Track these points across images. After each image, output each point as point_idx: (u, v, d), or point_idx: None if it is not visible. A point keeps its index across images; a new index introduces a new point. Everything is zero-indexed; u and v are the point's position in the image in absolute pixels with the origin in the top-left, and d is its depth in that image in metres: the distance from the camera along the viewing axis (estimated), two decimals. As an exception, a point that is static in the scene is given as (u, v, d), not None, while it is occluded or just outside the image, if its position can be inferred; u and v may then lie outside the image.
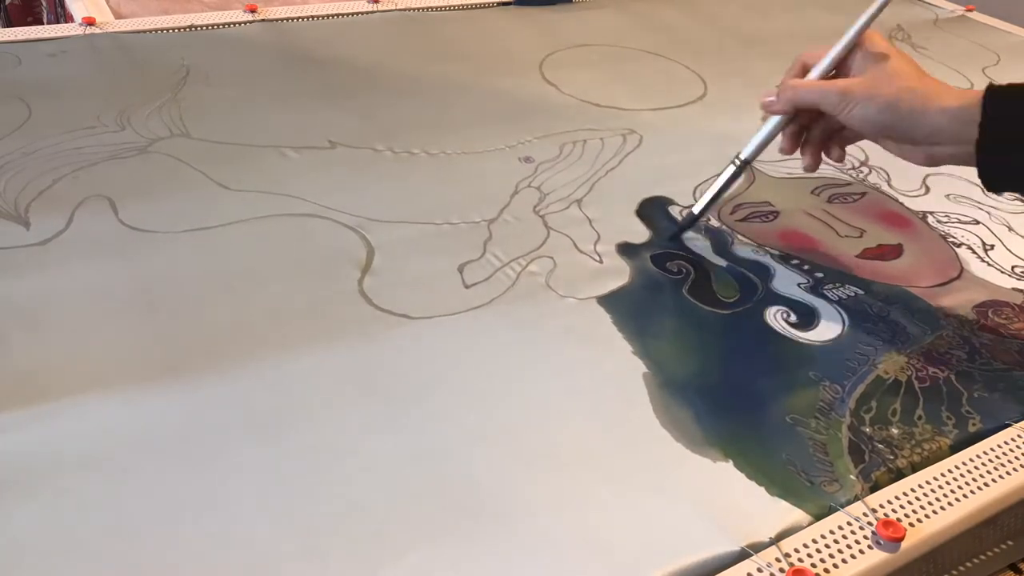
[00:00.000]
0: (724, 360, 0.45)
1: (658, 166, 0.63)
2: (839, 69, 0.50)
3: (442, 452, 0.38)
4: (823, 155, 0.52)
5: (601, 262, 0.52)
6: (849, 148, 0.69)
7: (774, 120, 0.51)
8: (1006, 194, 0.64)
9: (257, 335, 0.44)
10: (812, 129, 0.51)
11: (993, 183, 0.45)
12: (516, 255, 0.52)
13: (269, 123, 0.63)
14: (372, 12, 0.84)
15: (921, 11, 1.02)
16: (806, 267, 0.53)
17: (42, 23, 1.22)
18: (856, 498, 0.38)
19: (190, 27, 0.77)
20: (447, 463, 0.38)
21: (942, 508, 0.38)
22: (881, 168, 0.65)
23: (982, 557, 0.41)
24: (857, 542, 0.36)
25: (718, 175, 0.53)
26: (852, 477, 0.39)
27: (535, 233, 0.54)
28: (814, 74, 0.50)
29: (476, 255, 0.51)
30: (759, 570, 0.34)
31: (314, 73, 0.72)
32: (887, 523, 0.36)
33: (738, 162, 0.52)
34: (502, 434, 0.40)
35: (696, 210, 0.53)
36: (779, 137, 0.52)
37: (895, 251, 0.56)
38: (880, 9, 0.51)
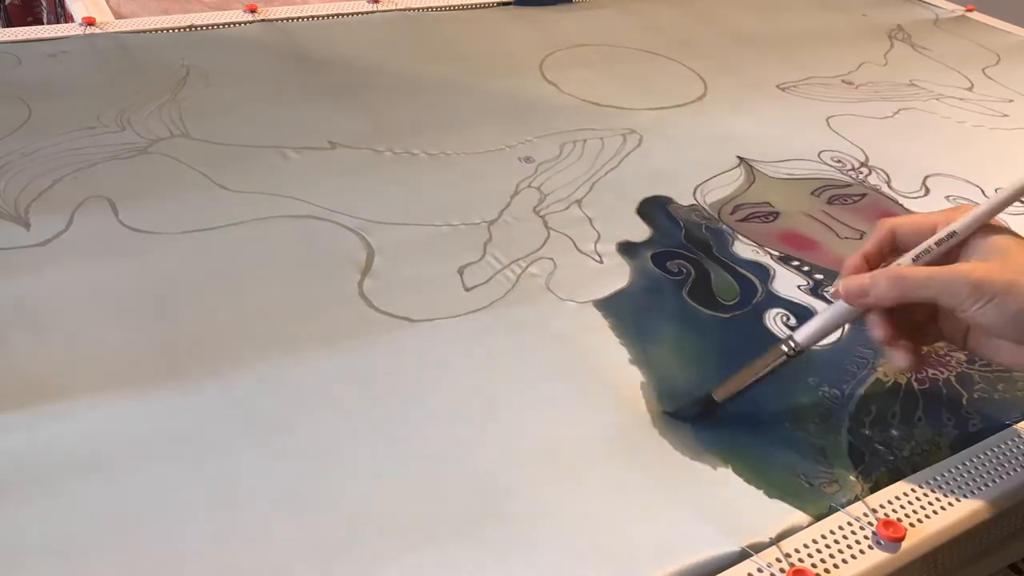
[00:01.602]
0: (723, 364, 0.45)
1: (658, 166, 0.63)
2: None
3: (442, 454, 0.38)
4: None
5: (601, 262, 0.52)
6: (849, 148, 0.70)
7: (847, 308, 0.39)
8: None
9: (257, 336, 0.44)
10: (898, 318, 0.39)
11: None
12: (516, 257, 0.52)
13: (269, 123, 0.63)
14: (372, 12, 0.84)
15: (921, 11, 1.02)
16: (806, 269, 0.53)
17: (42, 23, 1.22)
18: (856, 498, 0.38)
19: (190, 27, 0.77)
20: (447, 465, 0.38)
21: (942, 508, 0.38)
22: (881, 169, 0.65)
23: (982, 557, 0.41)
24: (857, 542, 0.36)
25: (757, 359, 0.41)
26: (852, 478, 0.39)
27: (535, 234, 0.54)
28: (913, 254, 0.39)
29: (476, 257, 0.51)
30: (759, 570, 0.34)
31: (314, 73, 0.72)
32: (887, 523, 0.36)
33: (791, 350, 0.40)
34: (502, 437, 0.40)
35: (718, 397, 0.41)
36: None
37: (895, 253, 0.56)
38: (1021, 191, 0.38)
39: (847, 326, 0.41)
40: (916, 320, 0.40)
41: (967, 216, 0.38)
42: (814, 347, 0.46)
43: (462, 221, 0.55)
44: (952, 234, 0.38)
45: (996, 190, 0.42)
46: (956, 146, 0.70)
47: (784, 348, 0.40)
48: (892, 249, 0.40)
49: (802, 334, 0.40)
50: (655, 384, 0.43)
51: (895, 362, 0.39)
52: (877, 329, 0.39)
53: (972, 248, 0.38)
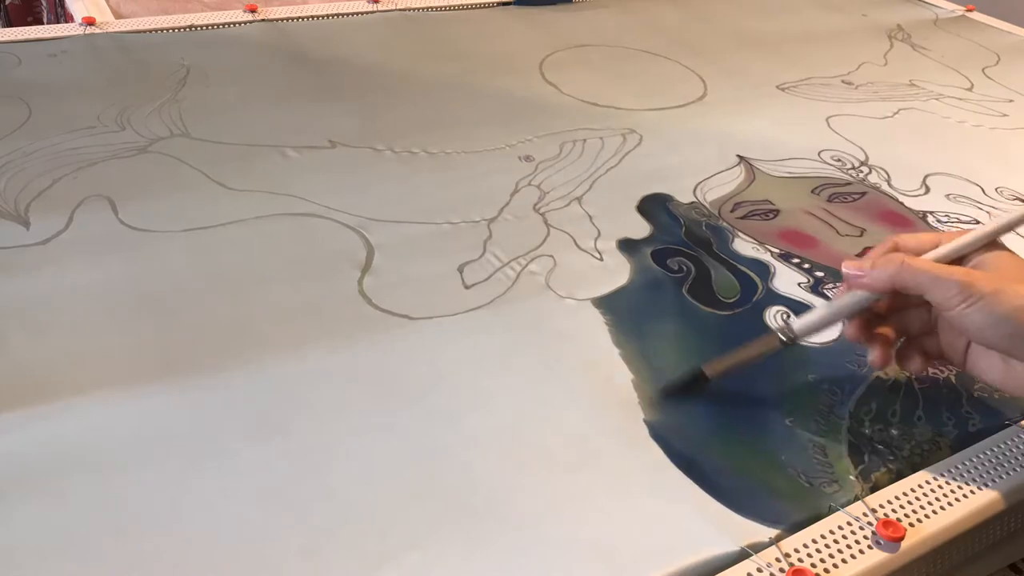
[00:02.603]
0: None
1: (658, 165, 0.63)
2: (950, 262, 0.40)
3: (442, 453, 0.38)
4: (898, 359, 0.42)
5: (601, 259, 0.52)
6: (849, 148, 0.70)
7: (851, 297, 0.40)
8: (1006, 194, 0.64)
9: (257, 335, 0.44)
10: (889, 320, 0.42)
11: None
12: (516, 254, 0.52)
13: (269, 123, 0.63)
14: (372, 12, 0.84)
15: (921, 11, 1.02)
16: (806, 266, 0.53)
17: (42, 23, 1.22)
18: (856, 498, 0.38)
19: (190, 27, 0.77)
20: (447, 464, 0.38)
21: (942, 508, 0.38)
22: (881, 168, 0.65)
23: (982, 557, 0.41)
24: (857, 542, 0.36)
25: (753, 344, 0.42)
26: (852, 477, 0.39)
27: (535, 231, 0.54)
28: (930, 256, 0.40)
29: (476, 255, 0.51)
30: (759, 570, 0.34)
31: (314, 73, 0.72)
32: (887, 523, 0.36)
33: (786, 338, 0.41)
34: (502, 435, 0.40)
35: (709, 372, 0.42)
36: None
37: (895, 251, 0.55)
38: None
39: (845, 322, 0.41)
40: (913, 330, 0.42)
41: (969, 235, 0.39)
42: (814, 345, 0.46)
43: (462, 219, 0.55)
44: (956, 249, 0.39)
45: (991, 215, 0.44)
46: (956, 146, 0.70)
47: (780, 336, 0.41)
48: None
49: (799, 324, 0.41)
50: (654, 383, 0.43)
51: (871, 357, 0.41)
52: (851, 327, 0.41)
53: (969, 261, 0.39)
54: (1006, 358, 0.38)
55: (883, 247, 0.41)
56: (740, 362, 0.42)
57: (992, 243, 0.40)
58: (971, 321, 0.37)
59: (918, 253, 0.40)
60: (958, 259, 0.40)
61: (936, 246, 0.40)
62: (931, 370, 0.45)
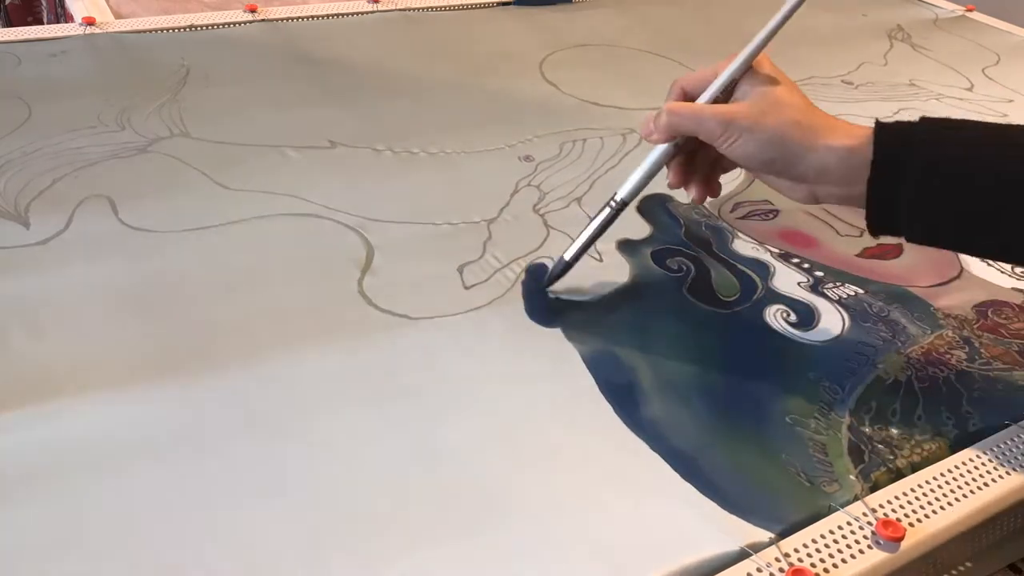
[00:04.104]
0: (723, 360, 0.45)
1: (658, 166, 0.63)
2: (724, 92, 0.45)
3: (441, 453, 0.38)
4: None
5: (601, 260, 0.52)
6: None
7: (656, 151, 0.45)
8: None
9: (257, 335, 0.44)
10: (697, 158, 0.46)
11: (880, 226, 0.41)
12: (516, 255, 0.52)
13: (269, 123, 0.63)
14: (372, 12, 0.84)
15: (921, 11, 1.02)
16: (806, 266, 0.53)
17: (42, 23, 1.22)
18: (856, 498, 0.38)
19: (190, 27, 0.77)
20: (447, 464, 0.38)
21: (942, 508, 0.38)
22: (881, 168, 0.65)
23: (982, 557, 0.41)
24: (857, 542, 0.36)
25: (593, 217, 0.47)
26: (852, 477, 0.39)
27: (535, 232, 0.54)
28: (701, 99, 0.44)
29: (476, 256, 0.51)
30: (759, 570, 0.34)
31: (314, 73, 0.72)
32: (887, 523, 0.36)
33: (614, 204, 0.46)
34: (502, 435, 0.40)
35: (568, 256, 0.47)
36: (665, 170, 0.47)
37: (895, 250, 0.56)
38: (771, 33, 0.46)
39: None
40: (712, 159, 0.46)
41: (732, 63, 0.44)
42: (816, 342, 0.46)
43: (462, 220, 0.55)
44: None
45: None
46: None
47: (611, 204, 0.46)
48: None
49: (623, 189, 0.46)
50: (654, 382, 0.43)
51: (690, 196, 0.47)
52: (671, 175, 0.46)
53: (739, 90, 0.44)
54: (772, 177, 0.43)
55: (672, 93, 0.46)
56: (588, 238, 0.47)
57: (757, 70, 0.44)
58: (734, 153, 0.42)
59: (698, 90, 0.45)
60: (729, 92, 0.44)
61: (714, 78, 0.44)
62: (931, 369, 0.45)
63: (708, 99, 0.44)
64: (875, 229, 0.41)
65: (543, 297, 0.48)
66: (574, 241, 0.47)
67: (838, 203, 0.43)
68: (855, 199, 0.41)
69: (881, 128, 0.41)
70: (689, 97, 0.45)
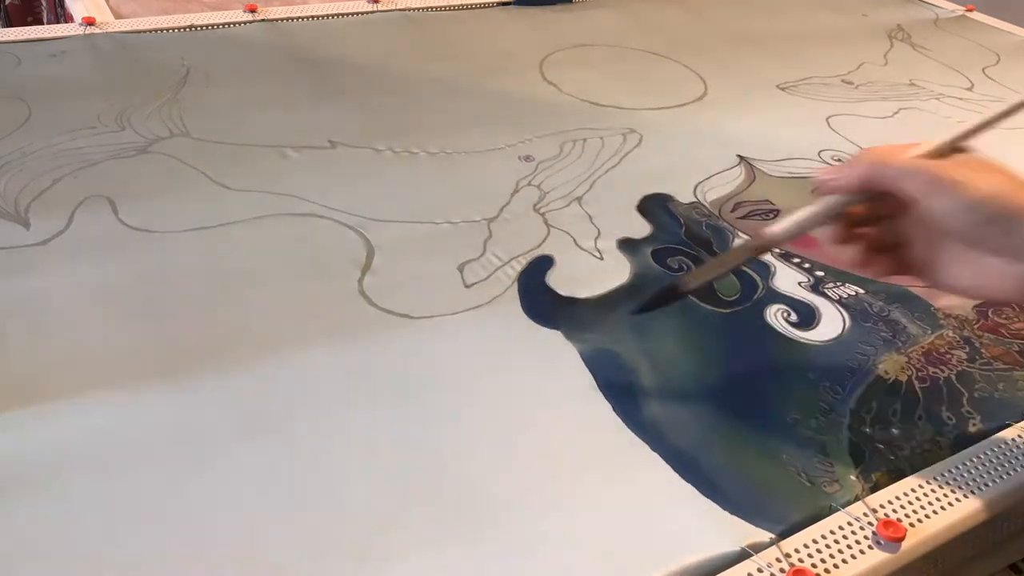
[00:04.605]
0: (724, 360, 0.45)
1: (658, 165, 0.63)
2: None
3: (442, 452, 0.38)
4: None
5: (602, 259, 0.52)
6: (849, 148, 0.70)
7: (824, 203, 0.40)
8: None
9: (257, 335, 0.44)
10: (864, 225, 0.41)
11: None
12: (516, 254, 0.52)
13: (269, 123, 0.63)
14: (372, 12, 0.84)
15: (921, 11, 1.02)
16: (807, 265, 0.53)
17: (42, 23, 1.22)
18: (856, 498, 0.38)
19: (190, 27, 0.77)
20: (447, 463, 0.38)
21: (942, 508, 0.38)
22: (881, 168, 0.65)
23: (982, 557, 0.41)
24: (857, 542, 0.36)
25: (726, 254, 0.43)
26: (852, 477, 0.39)
27: (535, 231, 0.54)
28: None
29: (476, 254, 0.51)
30: (759, 570, 0.34)
31: (314, 73, 0.72)
32: (887, 523, 0.36)
33: (759, 245, 0.41)
34: (502, 434, 0.40)
35: (684, 286, 0.42)
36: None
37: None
38: (986, 124, 0.40)
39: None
40: (886, 241, 0.40)
41: (938, 141, 0.39)
42: (816, 342, 0.46)
43: (462, 219, 0.55)
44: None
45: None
46: (956, 145, 0.70)
47: (754, 245, 0.41)
48: None
49: (772, 231, 0.40)
50: (654, 381, 0.43)
51: (848, 256, 0.40)
52: (830, 232, 0.40)
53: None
54: (977, 258, 0.37)
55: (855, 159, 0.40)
56: (716, 274, 0.43)
57: (958, 149, 0.39)
58: (939, 208, 0.36)
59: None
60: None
61: (904, 154, 0.39)
62: (931, 369, 0.45)
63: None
64: None
65: (542, 296, 0.48)
66: (705, 271, 0.43)
67: None
68: None
69: None
70: None
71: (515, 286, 0.49)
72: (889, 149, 0.39)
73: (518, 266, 0.51)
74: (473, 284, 0.49)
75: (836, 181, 0.39)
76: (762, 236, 0.41)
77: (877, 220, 0.40)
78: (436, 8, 0.87)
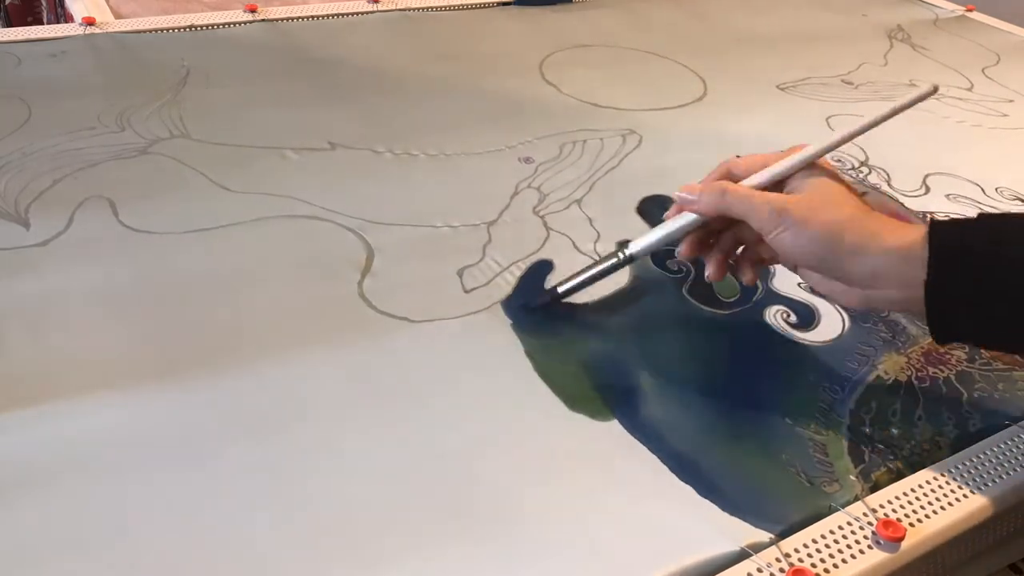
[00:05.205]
0: (723, 361, 0.45)
1: (658, 166, 0.63)
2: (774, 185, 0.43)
3: (442, 455, 0.38)
4: (732, 272, 0.45)
5: (601, 262, 0.52)
6: (848, 147, 0.70)
7: (683, 219, 0.43)
8: (1006, 194, 0.64)
9: (256, 337, 0.44)
10: (723, 237, 0.44)
11: (944, 333, 0.39)
12: (516, 258, 0.52)
13: (269, 124, 0.63)
14: (372, 12, 0.84)
15: (921, 11, 1.02)
16: (806, 267, 0.53)
17: (42, 23, 1.22)
18: (856, 498, 0.38)
19: (190, 27, 0.77)
20: (447, 466, 0.38)
21: (942, 508, 0.38)
22: (881, 168, 0.65)
23: (982, 557, 0.41)
24: (857, 542, 0.36)
25: (597, 262, 0.46)
26: (852, 477, 0.39)
27: (535, 234, 0.54)
28: (751, 182, 0.42)
29: (475, 259, 0.51)
30: (759, 570, 0.34)
31: (314, 73, 0.72)
32: (887, 523, 0.36)
33: (623, 256, 0.45)
34: (502, 437, 0.40)
35: (560, 289, 0.47)
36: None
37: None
38: (845, 139, 0.44)
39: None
40: (748, 240, 0.44)
41: (789, 158, 0.42)
42: (816, 343, 0.46)
43: (462, 222, 0.55)
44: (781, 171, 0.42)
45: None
46: (956, 145, 0.70)
47: (619, 255, 0.45)
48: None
49: (636, 245, 0.45)
50: (654, 383, 0.43)
51: (708, 272, 0.44)
52: (685, 246, 0.44)
53: (792, 183, 0.42)
54: (823, 278, 0.41)
55: (716, 171, 0.44)
56: (584, 279, 0.46)
57: (814, 165, 0.42)
58: (783, 245, 0.40)
59: (747, 175, 0.43)
60: (781, 181, 0.42)
61: (763, 166, 0.43)
62: (931, 369, 0.45)
63: (756, 186, 0.42)
64: (939, 336, 0.39)
65: (542, 298, 0.48)
66: (572, 277, 0.47)
67: (896, 309, 0.41)
68: (913, 303, 0.38)
69: (936, 228, 0.38)
70: (733, 179, 0.43)
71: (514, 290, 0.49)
72: (748, 164, 0.43)
73: (517, 271, 0.51)
74: (472, 289, 0.49)
75: (693, 205, 0.43)
76: (624, 250, 0.45)
77: (735, 224, 0.43)
78: (436, 8, 0.87)
